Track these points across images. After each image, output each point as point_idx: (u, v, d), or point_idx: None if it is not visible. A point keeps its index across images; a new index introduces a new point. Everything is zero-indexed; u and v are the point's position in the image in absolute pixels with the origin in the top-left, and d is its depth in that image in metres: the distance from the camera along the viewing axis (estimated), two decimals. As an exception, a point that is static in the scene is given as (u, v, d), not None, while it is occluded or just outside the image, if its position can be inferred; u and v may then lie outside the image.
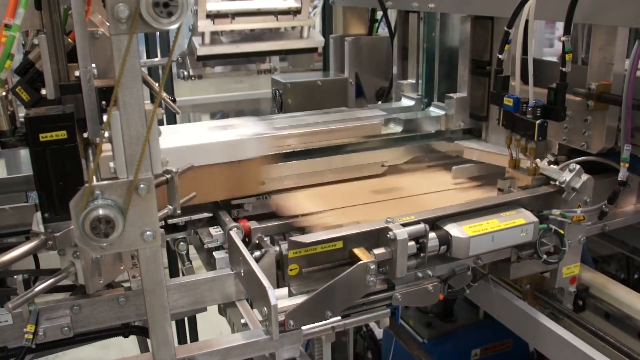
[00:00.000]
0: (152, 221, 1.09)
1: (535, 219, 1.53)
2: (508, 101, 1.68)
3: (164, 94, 1.90)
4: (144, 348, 2.62)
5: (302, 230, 1.62)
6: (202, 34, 1.78)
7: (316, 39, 1.98)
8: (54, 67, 1.46)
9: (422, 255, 1.40)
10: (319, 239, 1.35)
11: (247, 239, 1.58)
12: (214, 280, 1.53)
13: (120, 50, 0.97)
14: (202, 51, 1.78)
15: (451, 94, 2.25)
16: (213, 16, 1.81)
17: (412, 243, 1.37)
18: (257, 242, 1.52)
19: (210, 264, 1.65)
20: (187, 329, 3.90)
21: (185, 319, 3.83)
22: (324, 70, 2.39)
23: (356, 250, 1.35)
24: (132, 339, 1.75)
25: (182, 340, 3.85)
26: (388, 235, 1.36)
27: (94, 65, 1.43)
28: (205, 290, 1.52)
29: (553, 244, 1.57)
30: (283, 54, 2.03)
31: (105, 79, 1.52)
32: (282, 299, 1.30)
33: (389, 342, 2.98)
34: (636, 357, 1.45)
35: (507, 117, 1.70)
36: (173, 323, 1.87)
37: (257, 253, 1.48)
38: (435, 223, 1.47)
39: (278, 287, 1.49)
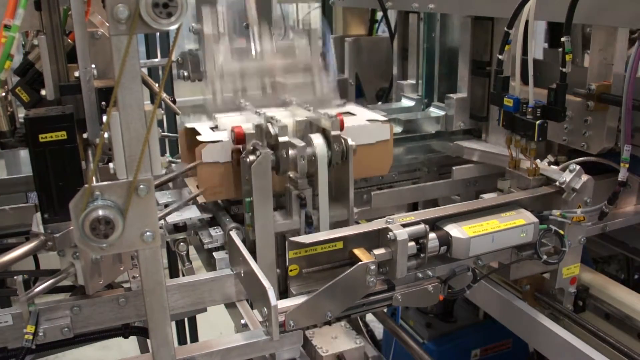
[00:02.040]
0: (152, 222, 1.08)
1: (536, 220, 1.53)
2: (508, 102, 1.68)
3: (164, 95, 1.91)
4: (144, 348, 2.63)
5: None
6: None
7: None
8: (53, 68, 1.46)
9: (422, 255, 1.40)
10: (319, 239, 1.35)
11: (241, 147, 1.58)
12: (214, 280, 1.53)
13: (119, 50, 0.97)
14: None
15: (451, 95, 2.25)
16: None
17: (412, 243, 1.37)
18: (252, 147, 1.51)
19: (211, 264, 1.65)
20: (187, 330, 3.90)
21: (185, 319, 3.83)
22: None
23: (356, 251, 1.35)
24: (132, 339, 1.76)
25: (182, 340, 3.85)
26: (388, 236, 1.36)
27: (93, 65, 1.44)
28: (205, 291, 1.52)
29: (553, 245, 1.57)
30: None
31: (105, 79, 1.52)
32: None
33: (389, 342, 2.98)
34: (636, 358, 1.45)
35: (507, 118, 1.70)
36: (173, 323, 1.87)
37: (252, 157, 1.47)
38: (435, 223, 1.47)
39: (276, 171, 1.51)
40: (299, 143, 1.51)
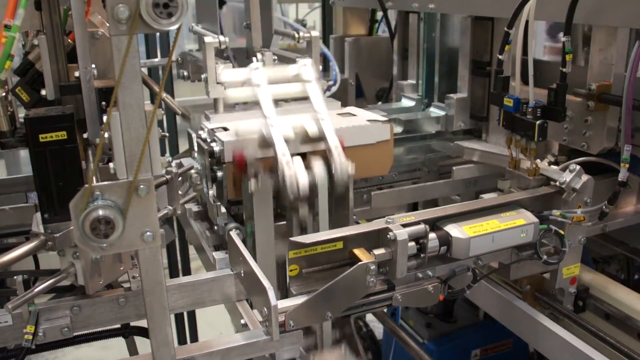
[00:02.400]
0: (152, 222, 1.09)
1: (536, 220, 1.53)
2: (508, 102, 1.68)
3: (164, 95, 1.91)
4: (133, 350, 2.62)
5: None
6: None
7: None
8: (53, 68, 1.46)
9: (422, 255, 1.40)
10: (319, 239, 1.35)
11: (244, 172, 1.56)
12: (214, 280, 1.53)
13: (120, 50, 0.97)
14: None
15: (451, 95, 2.25)
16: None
17: (412, 244, 1.37)
18: (254, 172, 1.50)
19: (211, 264, 1.65)
20: (187, 330, 3.90)
21: (185, 319, 3.84)
22: (324, 71, 2.39)
23: (356, 251, 1.35)
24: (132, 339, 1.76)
25: (182, 340, 3.85)
26: (388, 236, 1.36)
27: (93, 65, 1.44)
28: (205, 291, 1.52)
29: (553, 245, 1.57)
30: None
31: (105, 79, 1.52)
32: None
33: (389, 342, 2.98)
34: (636, 358, 1.45)
35: (507, 118, 1.70)
36: (173, 323, 1.87)
37: (253, 183, 1.46)
38: (435, 223, 1.47)
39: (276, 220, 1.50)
40: (302, 178, 1.49)
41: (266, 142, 1.48)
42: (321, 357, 1.36)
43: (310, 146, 1.52)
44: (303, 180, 1.43)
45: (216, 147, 1.62)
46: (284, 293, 1.53)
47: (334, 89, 2.07)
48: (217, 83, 1.79)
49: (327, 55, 2.15)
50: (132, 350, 1.99)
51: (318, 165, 1.49)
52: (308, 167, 1.48)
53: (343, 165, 1.46)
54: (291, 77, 1.60)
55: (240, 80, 1.55)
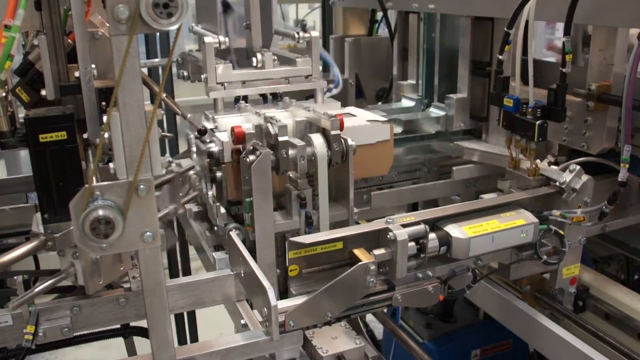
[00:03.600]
0: (152, 222, 1.08)
1: (536, 220, 1.53)
2: (508, 102, 1.68)
3: (164, 95, 1.90)
4: (133, 350, 2.62)
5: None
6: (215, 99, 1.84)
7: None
8: (53, 68, 1.46)
9: (422, 256, 1.40)
10: (319, 239, 1.35)
11: (242, 147, 1.57)
12: (214, 280, 1.53)
13: (120, 51, 0.97)
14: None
15: (451, 95, 2.25)
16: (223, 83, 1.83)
17: (412, 244, 1.37)
18: (252, 147, 1.51)
19: (211, 264, 1.65)
20: (187, 330, 3.90)
21: (185, 320, 3.83)
22: (324, 72, 2.39)
23: (356, 251, 1.35)
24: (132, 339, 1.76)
25: (182, 340, 3.85)
26: (388, 236, 1.36)
27: (93, 66, 1.43)
28: (205, 291, 1.52)
29: (553, 245, 1.58)
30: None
31: (105, 79, 1.52)
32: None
33: (389, 342, 2.98)
34: (636, 358, 1.45)
35: (507, 118, 1.70)
36: (173, 323, 1.87)
37: (252, 157, 1.46)
38: (435, 224, 1.47)
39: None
40: (299, 143, 1.51)
41: (264, 128, 1.51)
42: (321, 333, 1.36)
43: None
44: (303, 152, 1.48)
45: (215, 148, 1.62)
46: (283, 265, 1.54)
47: (335, 91, 2.07)
48: (217, 83, 1.80)
49: (327, 60, 2.15)
50: (131, 350, 1.99)
51: (317, 138, 1.50)
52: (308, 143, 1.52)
53: (341, 137, 1.50)
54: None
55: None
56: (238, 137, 1.55)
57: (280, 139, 1.49)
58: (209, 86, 1.79)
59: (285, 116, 1.70)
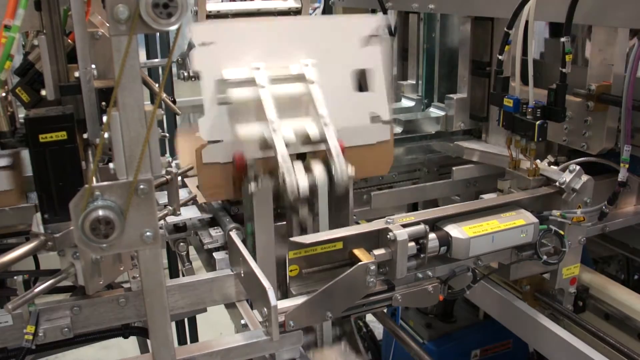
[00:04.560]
0: (152, 222, 1.08)
1: (536, 220, 1.53)
2: (508, 102, 1.68)
3: (164, 95, 1.91)
4: (144, 349, 2.63)
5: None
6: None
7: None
8: (53, 68, 1.46)
9: (422, 256, 1.40)
10: (319, 239, 1.35)
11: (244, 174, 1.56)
12: (214, 281, 1.53)
13: (119, 51, 0.97)
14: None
15: (451, 95, 2.25)
16: (213, 16, 1.82)
17: (412, 244, 1.37)
18: (254, 174, 1.50)
19: (211, 264, 1.65)
20: (187, 330, 3.90)
21: (185, 319, 3.83)
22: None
23: (356, 251, 1.35)
24: (132, 339, 1.76)
25: (182, 341, 3.85)
26: (388, 236, 1.36)
27: (93, 66, 1.43)
28: (205, 291, 1.52)
29: (553, 245, 1.57)
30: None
31: (105, 79, 1.51)
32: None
33: (389, 342, 2.98)
34: (636, 358, 1.45)
35: (507, 118, 1.70)
36: (173, 324, 1.87)
37: (253, 184, 1.46)
38: (435, 224, 1.47)
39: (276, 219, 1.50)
40: (299, 169, 1.49)
41: (267, 145, 1.48)
42: (321, 354, 1.36)
43: (310, 147, 1.52)
44: (303, 185, 1.44)
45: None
46: (284, 293, 1.53)
47: (318, 10, 2.07)
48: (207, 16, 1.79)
49: None
50: (143, 349, 1.99)
51: (318, 168, 1.49)
52: (308, 169, 1.48)
53: (343, 168, 1.46)
54: (294, 77, 1.60)
55: (241, 79, 1.54)
56: (239, 166, 1.53)
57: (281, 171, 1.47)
58: (198, 18, 1.78)
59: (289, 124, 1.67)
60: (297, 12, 1.91)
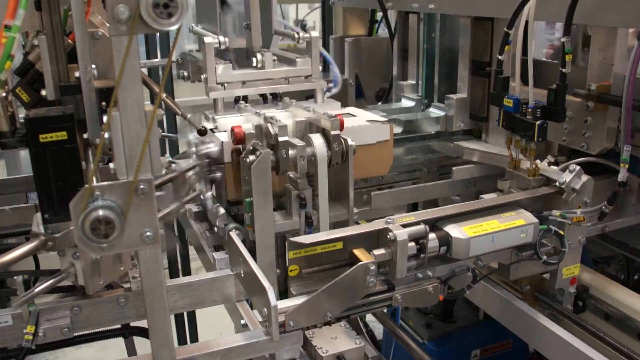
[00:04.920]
0: (152, 222, 1.08)
1: (535, 220, 1.53)
2: (508, 102, 1.68)
3: (164, 95, 1.91)
4: (143, 349, 2.62)
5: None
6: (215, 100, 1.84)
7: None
8: (54, 68, 1.46)
9: (422, 256, 1.40)
10: (319, 239, 1.35)
11: (241, 147, 1.57)
12: (213, 281, 1.53)
13: (120, 51, 0.97)
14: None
15: (451, 95, 2.25)
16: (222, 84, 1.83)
17: (412, 244, 1.37)
18: (251, 147, 1.51)
19: (211, 264, 1.65)
20: (187, 330, 3.90)
21: (185, 319, 3.83)
22: (324, 72, 2.39)
23: (356, 251, 1.35)
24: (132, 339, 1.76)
25: (182, 341, 3.85)
26: (388, 236, 1.36)
27: (94, 66, 1.43)
28: (205, 291, 1.52)
29: (553, 245, 1.57)
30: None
31: (105, 79, 1.51)
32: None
33: (388, 342, 2.98)
34: (636, 358, 1.45)
35: (507, 118, 1.70)
36: (173, 324, 1.87)
37: (251, 157, 1.46)
38: (435, 224, 1.47)
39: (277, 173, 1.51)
40: (299, 143, 1.51)
41: (264, 128, 1.51)
42: (320, 332, 1.36)
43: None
44: (303, 152, 1.48)
45: (214, 148, 1.62)
46: (281, 266, 1.54)
47: (334, 90, 2.07)
48: (217, 83, 1.80)
49: (327, 58, 2.16)
50: (131, 351, 1.99)
51: (317, 139, 1.50)
52: (308, 143, 1.52)
53: (341, 137, 1.50)
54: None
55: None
56: (238, 137, 1.55)
57: (280, 139, 1.50)
58: (208, 86, 1.79)
59: (285, 116, 1.70)
60: (307, 75, 1.92)
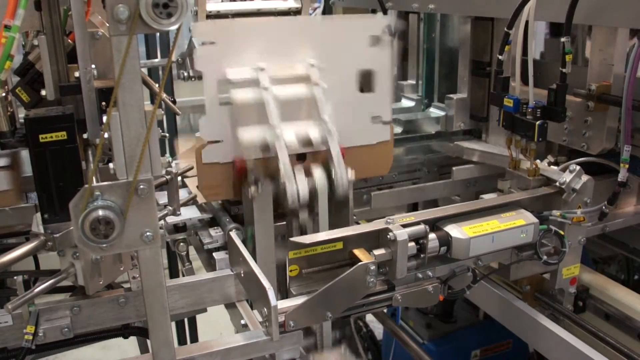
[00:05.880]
0: (152, 222, 1.09)
1: (536, 220, 1.53)
2: (508, 102, 1.68)
3: (164, 95, 1.91)
4: (143, 349, 2.62)
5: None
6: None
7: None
8: (53, 68, 1.46)
9: (422, 256, 1.40)
10: (319, 239, 1.35)
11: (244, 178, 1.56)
12: (214, 281, 1.53)
13: (119, 51, 0.97)
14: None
15: (451, 95, 2.25)
16: (213, 16, 1.82)
17: (412, 244, 1.37)
18: (253, 179, 1.50)
19: (211, 264, 1.65)
20: (187, 330, 3.90)
21: (185, 319, 3.83)
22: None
23: (356, 251, 1.35)
24: (132, 339, 1.76)
25: (182, 341, 3.85)
26: (388, 236, 1.36)
27: (93, 66, 1.43)
28: (205, 291, 1.52)
29: (553, 245, 1.57)
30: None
31: (105, 79, 1.51)
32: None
33: (389, 342, 2.98)
34: (636, 358, 1.45)
35: (507, 118, 1.70)
36: (173, 323, 1.87)
37: (253, 188, 1.46)
38: (435, 224, 1.47)
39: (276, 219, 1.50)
40: (299, 175, 1.49)
41: (268, 148, 1.49)
42: (321, 357, 1.36)
43: (311, 149, 1.52)
44: (304, 192, 1.44)
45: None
46: (284, 295, 1.53)
47: (318, 10, 2.08)
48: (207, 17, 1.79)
49: None
50: (143, 349, 1.99)
51: (318, 172, 1.49)
52: (308, 172, 1.49)
53: (343, 174, 1.47)
54: (298, 78, 1.59)
55: (244, 79, 1.54)
56: (240, 172, 1.53)
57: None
58: (198, 19, 1.78)
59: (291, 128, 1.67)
60: (297, 12, 1.91)
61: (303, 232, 1.50)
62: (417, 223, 1.40)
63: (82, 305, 1.40)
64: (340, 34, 1.60)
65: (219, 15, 1.83)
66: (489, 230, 1.46)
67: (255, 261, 1.43)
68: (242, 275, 1.46)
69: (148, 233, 1.08)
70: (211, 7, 1.79)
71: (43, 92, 1.49)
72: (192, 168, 1.72)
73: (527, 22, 1.62)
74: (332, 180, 1.48)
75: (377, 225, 1.40)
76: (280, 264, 1.54)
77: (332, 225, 1.53)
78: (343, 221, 1.54)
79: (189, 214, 1.73)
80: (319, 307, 1.30)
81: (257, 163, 1.50)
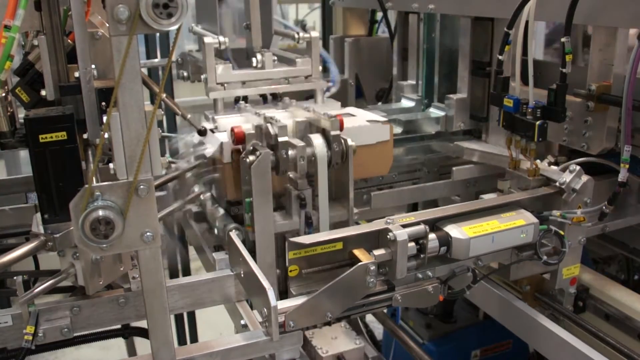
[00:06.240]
0: (152, 222, 1.09)
1: (536, 220, 1.53)
2: (508, 102, 1.68)
3: (164, 95, 1.90)
4: (131, 352, 2.62)
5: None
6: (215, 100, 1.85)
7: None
8: (53, 68, 1.46)
9: (422, 256, 1.40)
10: (319, 240, 1.35)
11: (241, 147, 1.57)
12: (213, 281, 1.53)
13: (119, 51, 0.97)
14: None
15: (451, 95, 2.25)
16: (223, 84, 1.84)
17: (412, 244, 1.37)
18: (251, 147, 1.51)
19: (211, 264, 1.65)
20: (187, 330, 3.90)
21: (185, 320, 3.83)
22: (324, 72, 2.40)
23: (356, 251, 1.35)
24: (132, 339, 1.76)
25: (181, 341, 3.85)
26: (388, 236, 1.36)
27: (93, 66, 1.43)
28: (205, 291, 1.52)
29: (553, 245, 1.57)
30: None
31: (105, 80, 1.52)
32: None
33: (389, 342, 2.98)
34: (636, 358, 1.45)
35: (507, 118, 1.70)
36: (173, 324, 1.87)
37: (251, 157, 1.46)
38: (435, 224, 1.47)
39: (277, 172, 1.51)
40: (299, 143, 1.51)
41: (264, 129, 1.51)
42: (320, 332, 1.36)
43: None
44: (303, 152, 1.48)
45: (214, 149, 1.62)
46: (283, 265, 1.53)
47: (333, 90, 2.08)
48: (217, 84, 1.80)
49: (325, 58, 2.16)
50: (131, 351, 2.00)
51: (317, 139, 1.50)
52: (308, 143, 1.52)
53: (341, 137, 1.50)
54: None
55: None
56: (238, 137, 1.55)
57: (280, 139, 1.50)
58: (208, 86, 1.79)
59: (285, 116, 1.70)
60: (308, 75, 1.92)
61: (302, 204, 1.52)
62: (417, 223, 1.40)
63: (82, 305, 1.40)
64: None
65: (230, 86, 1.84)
66: (489, 231, 1.47)
67: (255, 261, 1.43)
68: (242, 275, 1.46)
69: (148, 233, 1.08)
70: (221, 78, 1.80)
71: (43, 92, 1.49)
72: (194, 167, 1.73)
73: (527, 22, 1.62)
74: (331, 147, 1.50)
75: (377, 225, 1.40)
76: (278, 234, 1.55)
77: (332, 198, 1.55)
78: (343, 193, 1.57)
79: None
80: (319, 307, 1.30)
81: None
